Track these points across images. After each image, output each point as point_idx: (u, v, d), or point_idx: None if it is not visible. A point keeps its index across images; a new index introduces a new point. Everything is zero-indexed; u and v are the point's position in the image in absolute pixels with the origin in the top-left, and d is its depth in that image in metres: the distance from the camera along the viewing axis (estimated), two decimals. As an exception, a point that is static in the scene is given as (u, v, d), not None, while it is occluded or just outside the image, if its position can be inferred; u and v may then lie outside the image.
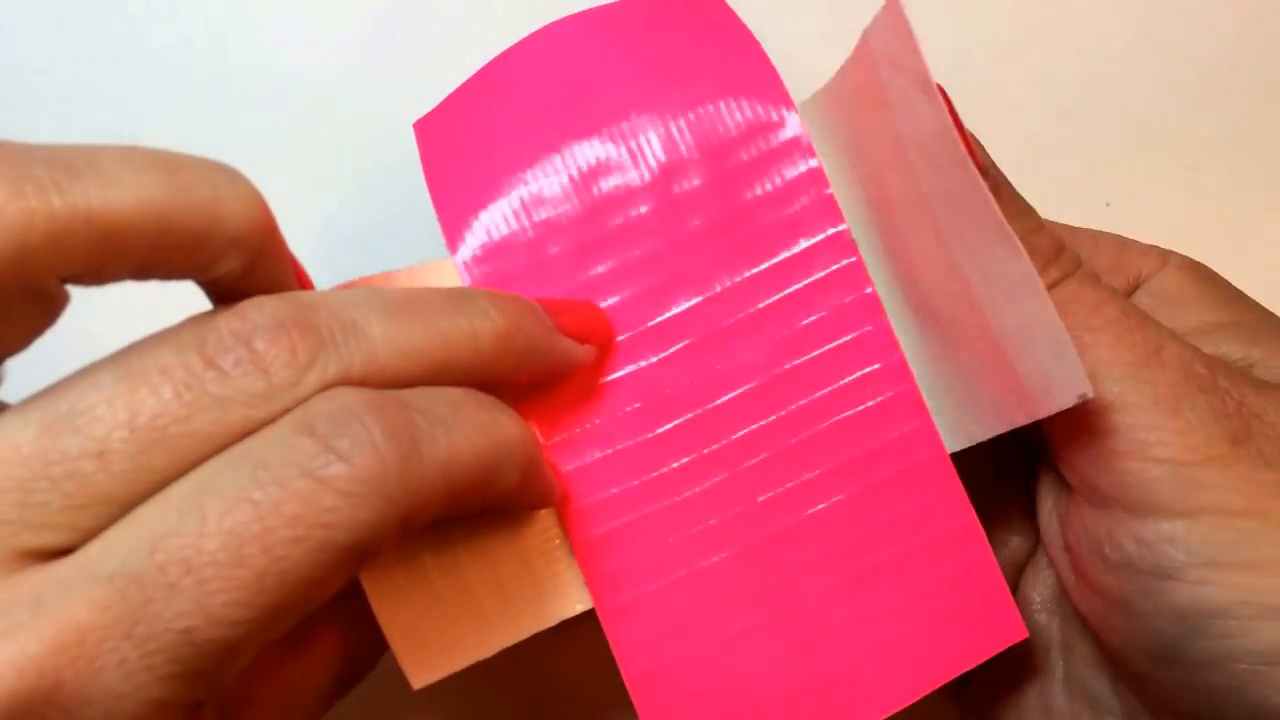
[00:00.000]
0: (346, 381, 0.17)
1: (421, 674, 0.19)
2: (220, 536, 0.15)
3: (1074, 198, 0.27)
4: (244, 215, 0.16)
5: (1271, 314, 0.22)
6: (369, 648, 0.21)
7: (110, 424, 0.15)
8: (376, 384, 0.17)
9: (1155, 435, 0.19)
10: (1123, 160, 0.29)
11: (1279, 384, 0.20)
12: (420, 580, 0.20)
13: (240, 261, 0.17)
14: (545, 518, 0.21)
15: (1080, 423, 0.19)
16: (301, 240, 0.18)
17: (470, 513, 0.19)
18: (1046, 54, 0.30)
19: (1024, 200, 0.21)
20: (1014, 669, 0.23)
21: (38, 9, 0.28)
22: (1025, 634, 0.22)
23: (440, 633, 0.20)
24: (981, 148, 0.22)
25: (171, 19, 0.28)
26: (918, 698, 0.21)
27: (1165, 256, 0.22)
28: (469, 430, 0.17)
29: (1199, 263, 0.23)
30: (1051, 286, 0.20)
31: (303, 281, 0.19)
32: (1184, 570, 0.18)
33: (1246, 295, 0.22)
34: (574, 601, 0.21)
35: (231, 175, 0.16)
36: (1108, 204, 0.28)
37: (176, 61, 0.28)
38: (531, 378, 0.20)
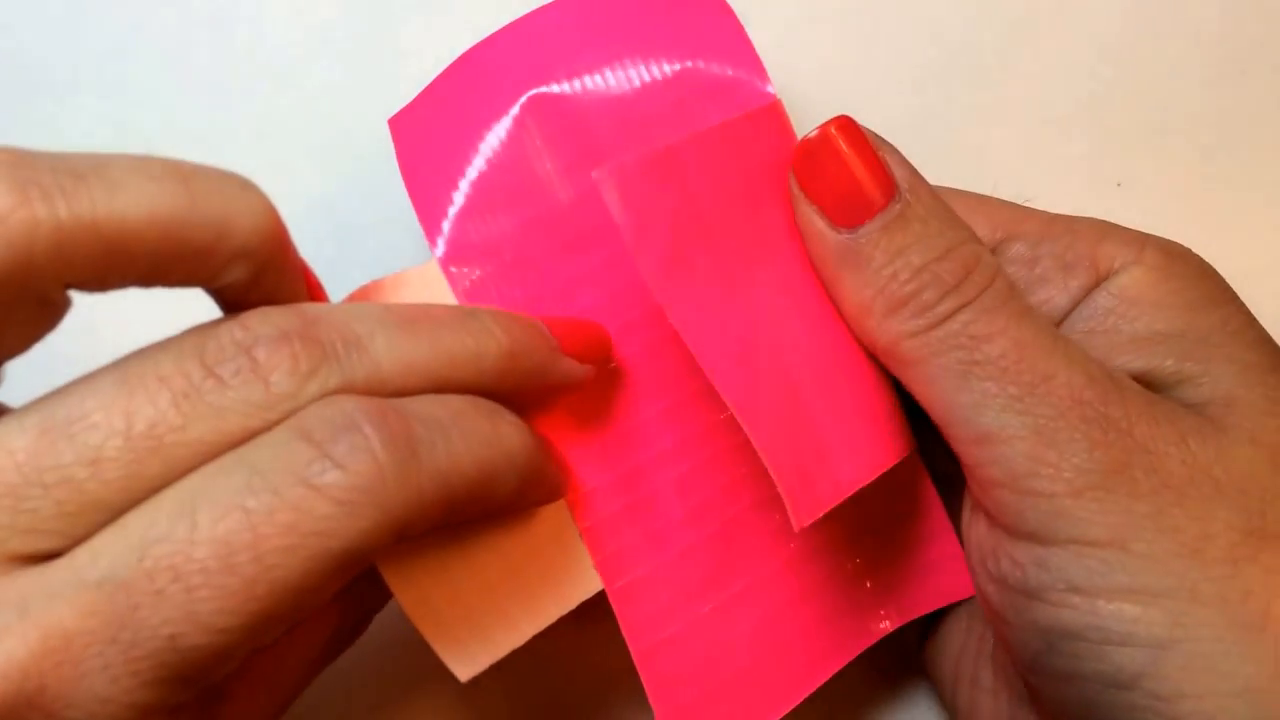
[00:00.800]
0: (348, 394, 0.16)
1: (464, 667, 0.19)
2: (210, 544, 0.15)
3: (1085, 178, 0.27)
4: (253, 227, 0.16)
5: (1236, 320, 0.21)
6: (355, 619, 0.21)
7: (105, 432, 0.15)
8: (379, 397, 0.17)
9: (1029, 467, 0.19)
10: (1134, 140, 0.29)
11: (1185, 407, 0.20)
12: (442, 576, 0.20)
13: (248, 272, 0.17)
14: (557, 505, 0.21)
15: (970, 451, 0.20)
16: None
17: (470, 519, 0.19)
18: (1059, 34, 0.30)
19: (942, 220, 0.21)
20: (955, 639, 0.25)
21: (23, 12, 0.28)
22: (972, 592, 0.24)
23: (471, 624, 0.20)
24: (898, 160, 0.21)
25: (170, 8, 0.29)
26: (875, 640, 0.23)
27: (1141, 250, 0.22)
28: (469, 439, 0.17)
29: (1177, 255, 0.22)
30: (945, 318, 0.20)
31: (314, 292, 0.19)
32: (1046, 592, 0.19)
33: (1217, 295, 0.21)
34: (590, 584, 0.21)
35: (243, 186, 0.16)
36: (1119, 184, 0.27)
37: (174, 52, 0.28)
38: (533, 396, 0.20)
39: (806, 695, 0.23)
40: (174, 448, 0.15)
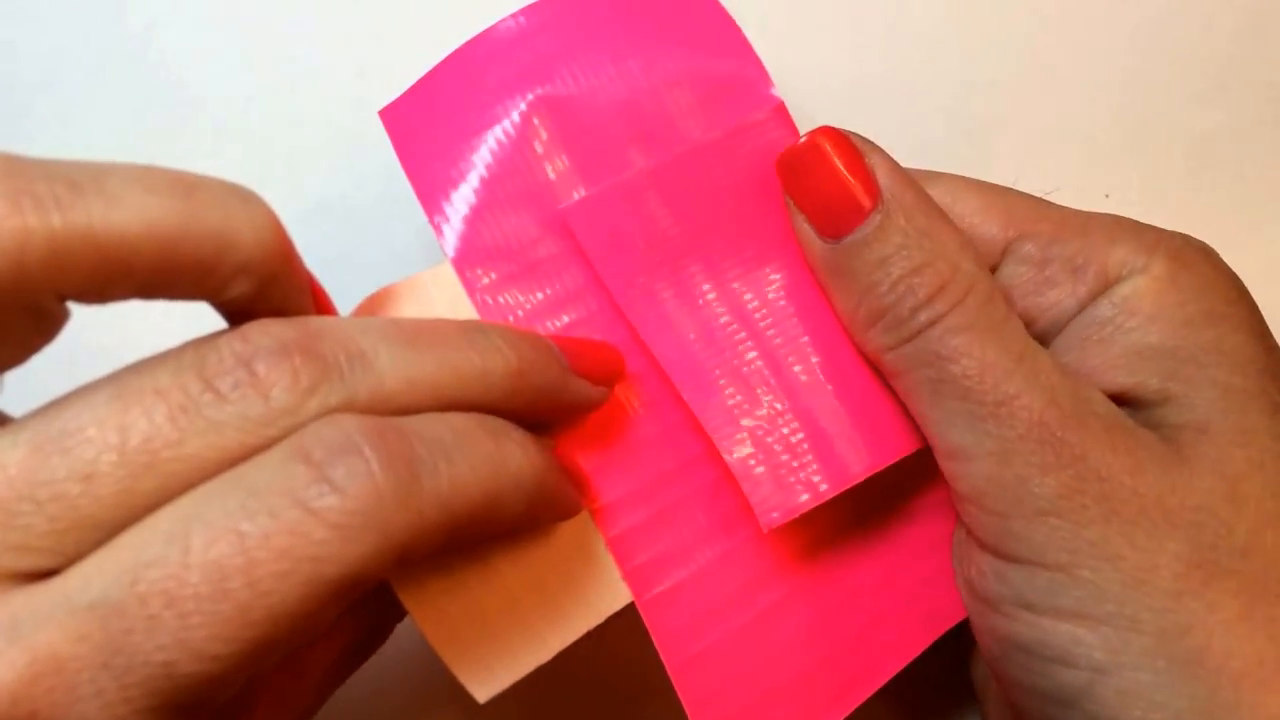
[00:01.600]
0: (350, 411, 0.16)
1: (483, 687, 0.19)
2: (203, 568, 0.14)
3: (1074, 188, 0.27)
4: (256, 241, 0.16)
5: (1232, 339, 0.21)
6: (376, 627, 0.21)
7: (99, 446, 0.15)
8: (381, 414, 0.16)
9: (986, 486, 0.20)
10: (1122, 152, 0.30)
11: (1155, 433, 0.20)
12: (461, 592, 0.19)
13: (252, 286, 0.16)
14: (581, 516, 0.21)
15: (943, 463, 0.21)
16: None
17: (477, 541, 0.18)
18: (1048, 49, 0.30)
19: (922, 231, 0.20)
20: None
21: (35, 17, 0.28)
22: None
23: (492, 643, 0.19)
24: (887, 166, 0.21)
25: (180, 10, 0.29)
26: (934, 639, 0.23)
27: (1150, 257, 0.21)
28: (473, 461, 0.16)
29: (1188, 264, 0.21)
30: (916, 334, 0.20)
31: (322, 305, 0.19)
32: (1002, 604, 0.20)
33: (1220, 309, 0.21)
34: (618, 596, 0.21)
35: (246, 199, 0.16)
36: (1106, 195, 0.28)
37: (184, 54, 0.28)
38: (544, 416, 0.20)
39: (862, 700, 0.22)
40: (170, 463, 0.15)
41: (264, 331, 0.16)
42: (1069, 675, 0.19)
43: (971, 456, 0.20)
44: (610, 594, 0.21)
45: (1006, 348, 0.20)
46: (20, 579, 0.14)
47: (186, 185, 0.15)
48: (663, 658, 0.21)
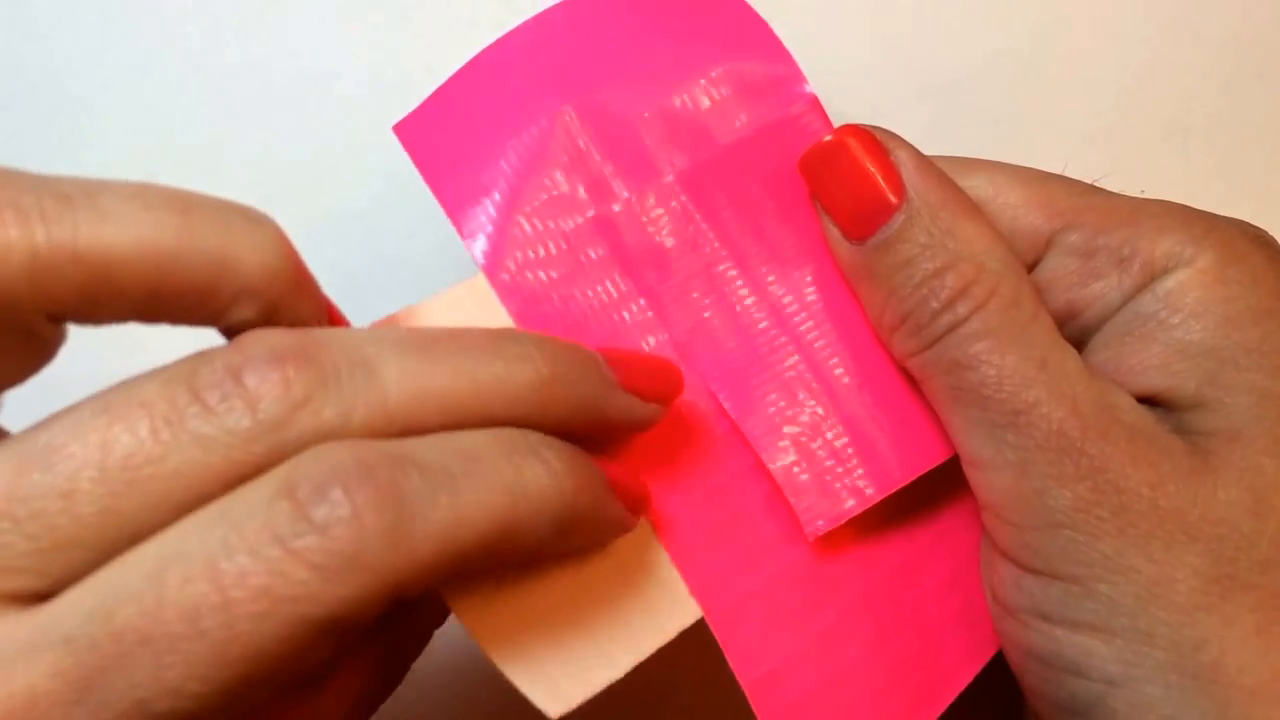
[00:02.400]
0: (346, 427, 0.15)
1: (555, 704, 0.18)
2: (177, 606, 0.13)
3: (1110, 184, 0.26)
4: (259, 263, 0.15)
5: (1275, 339, 0.19)
6: (390, 672, 0.20)
7: (80, 462, 0.14)
8: (383, 433, 0.15)
9: (1004, 498, 0.19)
10: (1156, 147, 0.30)
11: (1183, 440, 0.19)
12: (523, 611, 0.18)
13: (255, 311, 0.15)
14: (641, 529, 0.20)
15: (965, 471, 0.20)
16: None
17: (496, 568, 0.17)
18: (1082, 45, 0.30)
19: (945, 230, 0.20)
20: None
21: (45, 35, 0.28)
22: None
23: (559, 660, 0.18)
24: (914, 162, 0.20)
25: (201, 21, 0.28)
26: (998, 648, 0.22)
27: (1199, 248, 0.20)
28: (480, 489, 0.15)
29: (1238, 256, 0.20)
30: (935, 340, 0.20)
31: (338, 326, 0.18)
32: (1019, 612, 0.20)
33: (1266, 306, 0.20)
34: (688, 612, 0.20)
35: (251, 219, 0.15)
36: (1142, 190, 0.27)
37: (207, 65, 0.28)
38: (588, 433, 0.18)
39: (938, 715, 0.22)
40: (151, 481, 0.14)
41: (258, 340, 0.15)
42: (1082, 686, 0.19)
43: (991, 466, 0.19)
44: (680, 610, 0.20)
45: (1028, 354, 0.19)
46: (8, 601, 0.14)
47: (185, 203, 0.14)
48: (737, 675, 0.20)
